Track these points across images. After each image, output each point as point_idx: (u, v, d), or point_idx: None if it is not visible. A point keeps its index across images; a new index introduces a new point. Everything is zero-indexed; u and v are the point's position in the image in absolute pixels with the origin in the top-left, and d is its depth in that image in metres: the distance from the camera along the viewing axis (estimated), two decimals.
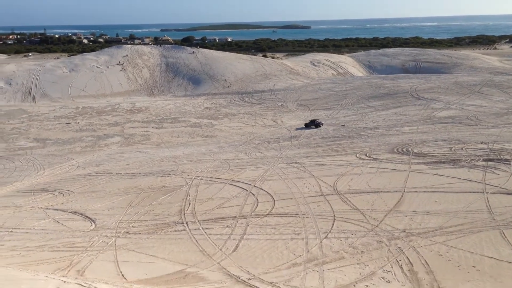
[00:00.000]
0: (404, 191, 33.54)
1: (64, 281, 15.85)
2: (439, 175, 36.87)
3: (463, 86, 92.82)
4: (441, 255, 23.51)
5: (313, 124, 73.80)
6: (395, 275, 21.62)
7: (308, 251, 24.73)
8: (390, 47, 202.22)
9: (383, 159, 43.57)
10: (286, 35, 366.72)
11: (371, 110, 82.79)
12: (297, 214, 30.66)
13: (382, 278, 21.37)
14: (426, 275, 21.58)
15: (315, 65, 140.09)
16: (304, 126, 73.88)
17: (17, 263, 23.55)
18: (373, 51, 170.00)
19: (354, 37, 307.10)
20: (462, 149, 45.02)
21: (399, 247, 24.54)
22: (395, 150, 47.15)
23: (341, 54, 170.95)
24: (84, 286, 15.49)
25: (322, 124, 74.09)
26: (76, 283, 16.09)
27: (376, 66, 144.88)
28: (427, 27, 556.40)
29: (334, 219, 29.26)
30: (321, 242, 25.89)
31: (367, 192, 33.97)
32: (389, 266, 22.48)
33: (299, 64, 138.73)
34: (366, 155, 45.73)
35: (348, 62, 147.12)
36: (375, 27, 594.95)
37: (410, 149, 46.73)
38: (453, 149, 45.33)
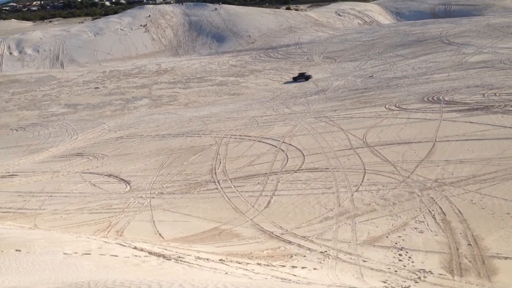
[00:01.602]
0: (435, 141, 33.10)
1: (106, 242, 16.53)
2: (471, 122, 36.14)
3: (496, 28, 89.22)
4: (475, 203, 23.37)
5: (303, 77, 75.43)
6: (428, 225, 21.68)
7: (339, 205, 24.93)
8: None
9: (413, 109, 42.86)
10: None
11: (399, 59, 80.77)
12: (327, 168, 30.76)
13: (415, 228, 21.47)
14: (459, 224, 21.57)
15: (340, 15, 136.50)
16: (292, 80, 76.06)
17: (59, 225, 24.59)
18: None
19: None
20: (495, 94, 43.80)
21: (432, 197, 24.47)
22: (426, 99, 46.24)
23: (367, 2, 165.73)
24: (125, 246, 16.11)
25: (311, 76, 76.06)
26: (117, 243, 16.74)
27: (404, 13, 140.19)
28: None
29: (365, 172, 29.25)
30: (352, 195, 26.03)
31: (398, 144, 33.67)
32: (422, 217, 22.52)
33: (323, 15, 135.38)
34: (395, 106, 45.04)
35: (374, 10, 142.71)
36: None
37: (441, 97, 45.74)
38: (486, 95, 44.14)
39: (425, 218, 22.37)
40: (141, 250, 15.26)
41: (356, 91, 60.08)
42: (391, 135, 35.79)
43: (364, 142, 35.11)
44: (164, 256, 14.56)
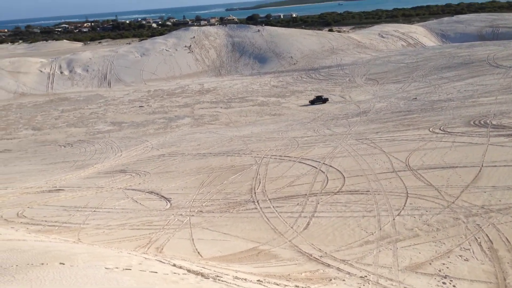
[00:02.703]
0: (482, 166, 32.03)
1: (146, 258, 16.73)
2: None
3: None
4: None
5: (320, 100, 74.57)
6: (473, 253, 20.87)
7: (380, 229, 24.40)
8: (465, 13, 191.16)
9: (458, 132, 41.75)
10: (352, 7, 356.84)
11: (444, 81, 79.18)
12: (368, 191, 30.24)
13: (460, 256, 20.71)
14: (507, 252, 20.66)
15: (383, 37, 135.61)
16: (309, 103, 75.65)
17: (102, 240, 25.11)
18: (446, 18, 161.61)
19: (425, 4, 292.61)
20: None
21: (478, 224, 23.60)
22: (472, 122, 44.99)
23: (411, 24, 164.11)
24: (164, 262, 16.26)
25: (328, 99, 75.56)
26: (156, 259, 16.92)
27: (450, 35, 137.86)
28: None
29: (407, 196, 28.57)
30: (394, 219, 25.43)
31: (442, 168, 32.78)
32: (467, 244, 21.71)
33: (366, 37, 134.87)
34: (440, 129, 44.02)
35: (419, 32, 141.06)
36: None
37: (488, 121, 44.39)
38: None
39: (470, 245, 21.57)
40: (180, 267, 15.36)
41: (399, 113, 59.17)
42: (435, 159, 34.92)
43: (406, 165, 34.39)
44: (202, 275, 14.60)
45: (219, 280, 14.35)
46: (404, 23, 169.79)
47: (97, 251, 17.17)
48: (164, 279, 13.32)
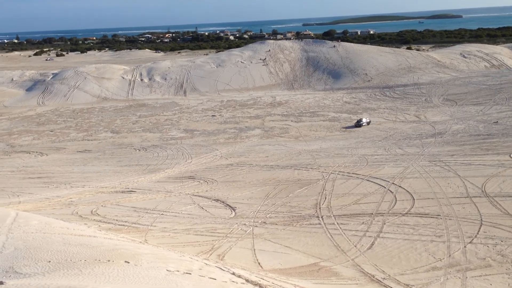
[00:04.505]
0: None
1: (206, 264, 17.01)
2: None
3: None
4: None
5: (361, 122, 73.24)
6: None
7: (450, 255, 23.29)
8: None
9: None
10: (434, 26, 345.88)
11: None
12: (439, 215, 29.02)
13: None
14: None
15: (465, 57, 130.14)
16: (354, 125, 73.84)
17: (167, 243, 25.84)
18: None
19: None
20: None
21: None
22: None
23: (497, 45, 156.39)
24: (224, 270, 16.45)
25: (364, 123, 73.67)
26: (217, 266, 17.14)
27: None
28: None
29: (481, 224, 27.12)
30: (465, 247, 24.19)
31: None
32: None
33: (447, 56, 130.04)
34: None
35: (504, 53, 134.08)
36: None
37: None
38: None
39: None
40: (239, 276, 15.46)
41: (478, 136, 56.40)
42: None
43: (482, 191, 32.67)
44: (260, 286, 14.61)
45: None
46: (488, 44, 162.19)
47: (161, 253, 17.67)
48: (222, 286, 13.47)
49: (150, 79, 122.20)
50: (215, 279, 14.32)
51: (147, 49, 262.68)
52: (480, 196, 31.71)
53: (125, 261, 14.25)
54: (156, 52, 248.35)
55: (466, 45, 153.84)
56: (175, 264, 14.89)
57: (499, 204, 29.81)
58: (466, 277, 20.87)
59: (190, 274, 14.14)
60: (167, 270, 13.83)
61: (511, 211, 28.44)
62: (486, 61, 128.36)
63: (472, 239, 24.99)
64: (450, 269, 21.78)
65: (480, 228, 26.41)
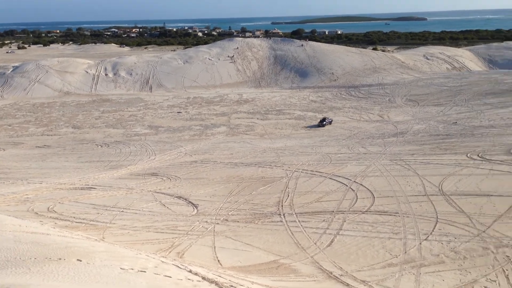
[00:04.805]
0: None
1: (163, 261, 16.83)
2: None
3: None
4: None
5: (325, 121, 73.74)
6: (499, 285, 20.05)
7: (405, 252, 23.79)
8: None
9: (497, 160, 40.41)
10: (399, 28, 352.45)
11: (487, 107, 76.95)
12: (397, 213, 29.61)
13: (485, 287, 19.93)
14: None
15: (428, 59, 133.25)
16: (317, 125, 73.96)
17: (126, 241, 25.46)
18: (495, 44, 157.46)
19: (474, 29, 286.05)
20: None
21: (507, 256, 22.68)
22: None
23: (458, 47, 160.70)
24: (181, 268, 16.30)
25: (332, 121, 75.04)
26: (173, 264, 16.98)
27: (497, 61, 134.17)
28: None
29: (437, 221, 27.81)
30: (420, 243, 24.77)
31: (476, 195, 31.78)
32: (494, 275, 20.88)
33: (411, 58, 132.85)
34: (478, 156, 42.73)
35: (465, 56, 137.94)
36: (500, 18, 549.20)
37: None
38: None
39: (497, 277, 20.73)
40: (196, 274, 15.36)
41: (437, 136, 57.82)
42: (469, 186, 33.90)
43: (439, 190, 33.51)
44: (216, 283, 14.55)
45: None
46: (451, 46, 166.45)
47: (117, 251, 17.39)
48: (176, 284, 13.34)
49: (115, 74, 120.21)
50: (170, 276, 14.18)
51: (113, 44, 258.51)
52: (437, 195, 32.50)
53: (77, 259, 13.97)
54: (121, 46, 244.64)
55: (429, 47, 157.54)
56: (130, 262, 14.68)
57: (454, 202, 30.64)
58: (420, 273, 21.36)
59: (145, 272, 13.97)
60: (120, 268, 13.63)
61: (466, 209, 29.27)
62: (448, 63, 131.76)
63: (428, 236, 25.60)
64: (405, 266, 22.25)
65: (435, 226, 27.08)
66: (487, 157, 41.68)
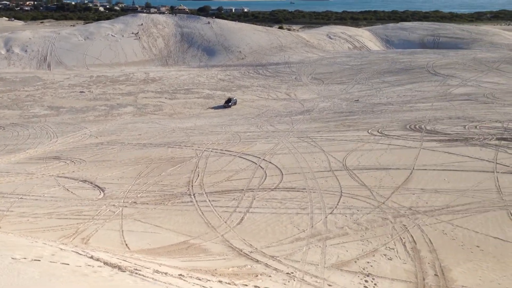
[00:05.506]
0: (413, 169, 33.25)
1: (61, 249, 16.04)
2: (450, 153, 36.43)
3: (481, 63, 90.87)
4: (446, 234, 23.39)
5: (230, 102, 72.72)
6: (397, 252, 21.59)
7: (312, 226, 24.76)
8: (409, 20, 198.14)
9: (394, 135, 43.14)
10: (304, 7, 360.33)
11: (386, 85, 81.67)
12: (304, 188, 30.65)
13: (384, 255, 21.36)
14: (428, 253, 21.52)
15: (331, 38, 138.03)
16: (223, 105, 73.05)
17: (24, 229, 23.99)
18: (391, 24, 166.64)
19: (373, 9, 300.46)
20: (476, 127, 44.33)
21: (404, 225, 24.45)
22: (408, 127, 46.61)
23: (358, 27, 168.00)
24: (81, 254, 15.66)
25: (236, 101, 74.28)
26: (73, 250, 16.27)
27: (394, 41, 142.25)
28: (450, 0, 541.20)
29: (341, 195, 29.19)
30: (326, 217, 25.89)
31: (376, 169, 33.75)
32: (392, 244, 22.44)
33: (315, 37, 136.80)
34: (378, 131, 45.30)
35: (365, 36, 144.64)
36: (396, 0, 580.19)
37: (423, 126, 46.16)
38: (466, 127, 44.67)
39: (395, 245, 22.30)
40: (97, 259, 14.83)
41: (341, 113, 60.42)
42: (370, 160, 35.89)
43: (343, 165, 35.13)
44: (119, 268, 14.16)
45: (136, 273, 13.97)
46: (352, 26, 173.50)
47: (9, 240, 16.32)
48: (74, 271, 12.80)
49: (8, 51, 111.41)
50: (68, 264, 13.57)
51: (4, 17, 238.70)
52: (341, 170, 34.06)
53: None
54: (10, 20, 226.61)
55: (332, 26, 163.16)
56: (24, 251, 13.82)
57: (357, 176, 32.32)
58: (326, 246, 22.38)
59: (39, 261, 13.23)
60: (12, 258, 12.80)
61: (367, 183, 31.00)
62: (350, 42, 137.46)
63: (333, 210, 26.82)
64: (312, 239, 23.19)
65: (340, 200, 28.42)
66: (386, 133, 44.33)
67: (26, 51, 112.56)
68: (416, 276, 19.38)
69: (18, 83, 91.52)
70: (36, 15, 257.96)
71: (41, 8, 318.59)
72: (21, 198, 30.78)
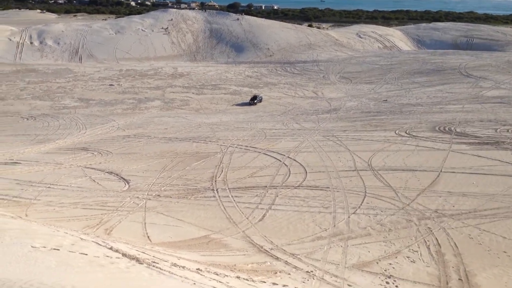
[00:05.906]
0: (441, 171, 32.57)
1: (82, 239, 16.21)
2: (480, 156, 35.57)
3: None
4: (472, 238, 22.80)
5: (256, 99, 71.86)
6: (421, 255, 21.15)
7: (334, 225, 24.50)
8: (442, 21, 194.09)
9: (423, 137, 42.36)
10: (335, 5, 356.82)
11: (415, 86, 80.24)
12: (328, 187, 30.36)
13: (407, 257, 20.95)
14: (453, 257, 21.01)
15: (361, 37, 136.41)
16: (248, 102, 72.10)
17: (50, 218, 24.42)
18: (423, 24, 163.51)
19: (405, 9, 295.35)
20: (508, 131, 43.19)
21: (429, 227, 23.94)
22: (437, 128, 45.72)
23: (390, 27, 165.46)
24: (101, 245, 15.79)
25: (261, 99, 73.02)
26: (93, 241, 16.43)
27: (425, 41, 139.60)
28: (485, 1, 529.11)
29: (365, 195, 28.81)
30: (349, 217, 25.58)
31: (402, 170, 33.19)
32: (416, 246, 21.99)
33: (344, 35, 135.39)
34: (405, 132, 44.57)
35: (396, 35, 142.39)
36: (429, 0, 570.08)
37: (452, 128, 45.19)
38: (498, 130, 43.53)
39: (419, 248, 21.85)
40: (116, 251, 14.93)
41: (368, 113, 59.67)
42: (397, 161, 35.32)
43: (369, 165, 34.68)
44: (137, 260, 14.21)
45: (153, 266, 14.01)
46: (382, 25, 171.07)
47: (32, 228, 16.56)
48: (91, 261, 12.88)
49: (41, 43, 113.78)
50: (86, 254, 13.68)
51: (38, 10, 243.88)
52: (366, 170, 33.62)
53: None
54: (42, 12, 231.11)
55: (362, 25, 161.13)
56: (44, 240, 13.99)
57: (382, 177, 31.84)
58: (348, 246, 22.09)
59: (58, 250, 13.37)
60: (31, 246, 12.96)
61: (392, 183, 30.51)
62: (380, 42, 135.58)
63: (356, 210, 26.48)
64: (334, 238, 22.92)
65: (363, 200, 28.04)
66: (413, 134, 43.56)
67: (58, 43, 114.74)
68: (440, 280, 18.94)
69: (50, 74, 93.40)
70: (69, 8, 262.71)
71: (74, 1, 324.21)
72: (48, 187, 31.38)
